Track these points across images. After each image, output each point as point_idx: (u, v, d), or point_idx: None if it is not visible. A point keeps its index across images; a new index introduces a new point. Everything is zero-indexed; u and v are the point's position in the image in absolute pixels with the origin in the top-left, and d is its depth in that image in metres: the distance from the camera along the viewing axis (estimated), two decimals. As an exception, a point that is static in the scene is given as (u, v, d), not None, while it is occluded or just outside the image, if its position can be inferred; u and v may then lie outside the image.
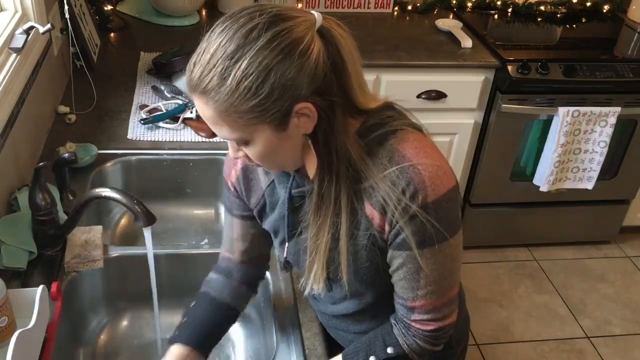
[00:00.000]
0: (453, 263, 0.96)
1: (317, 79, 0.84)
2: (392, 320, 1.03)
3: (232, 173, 1.11)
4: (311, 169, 0.97)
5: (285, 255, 1.10)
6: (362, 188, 0.92)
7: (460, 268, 0.99)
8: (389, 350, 1.02)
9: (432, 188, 0.89)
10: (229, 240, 1.19)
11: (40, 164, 1.28)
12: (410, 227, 0.90)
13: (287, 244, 1.08)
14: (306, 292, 1.05)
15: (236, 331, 1.46)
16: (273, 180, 1.06)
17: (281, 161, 0.95)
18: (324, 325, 1.26)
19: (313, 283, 1.01)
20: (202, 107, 0.87)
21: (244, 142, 0.89)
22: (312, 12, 0.87)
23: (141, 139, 1.76)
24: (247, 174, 1.09)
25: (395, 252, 0.95)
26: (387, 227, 0.93)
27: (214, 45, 0.83)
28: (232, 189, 1.12)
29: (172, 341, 1.13)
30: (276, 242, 1.13)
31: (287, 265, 1.12)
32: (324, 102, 0.86)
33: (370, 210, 0.93)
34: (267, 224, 1.11)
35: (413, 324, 0.99)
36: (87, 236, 1.39)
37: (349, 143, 0.90)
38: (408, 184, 0.89)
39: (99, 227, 1.42)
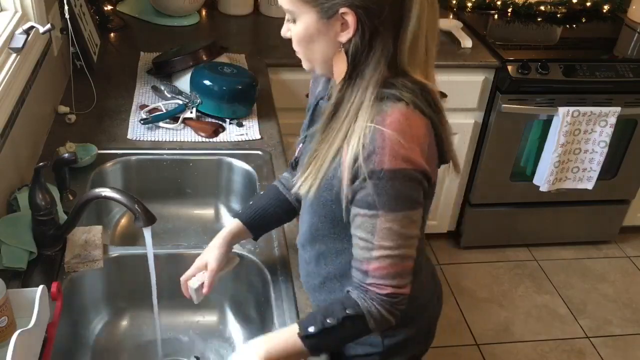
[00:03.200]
0: (407, 234, 0.99)
1: None
2: (349, 288, 1.05)
3: (313, 75, 1.22)
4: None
5: (297, 154, 1.20)
6: (352, 129, 0.97)
7: (415, 244, 1.01)
8: (348, 310, 1.03)
9: (389, 158, 0.93)
10: None
11: (40, 164, 1.28)
12: (364, 187, 0.96)
13: (301, 145, 1.19)
14: (294, 190, 1.10)
15: (236, 331, 1.46)
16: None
17: (312, 55, 1.03)
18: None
19: (303, 183, 1.06)
20: None
21: (293, 20, 1.00)
22: None
23: (141, 139, 1.76)
24: (316, 77, 1.22)
25: (354, 209, 1.00)
26: (346, 176, 0.97)
27: None
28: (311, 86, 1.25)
29: (235, 216, 1.32)
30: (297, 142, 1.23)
31: (295, 164, 1.21)
32: (368, 22, 0.93)
33: (345, 152, 0.98)
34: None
35: (369, 287, 1.01)
36: (87, 236, 1.39)
37: (371, 82, 0.96)
38: (370, 142, 0.94)
39: (99, 227, 1.42)
